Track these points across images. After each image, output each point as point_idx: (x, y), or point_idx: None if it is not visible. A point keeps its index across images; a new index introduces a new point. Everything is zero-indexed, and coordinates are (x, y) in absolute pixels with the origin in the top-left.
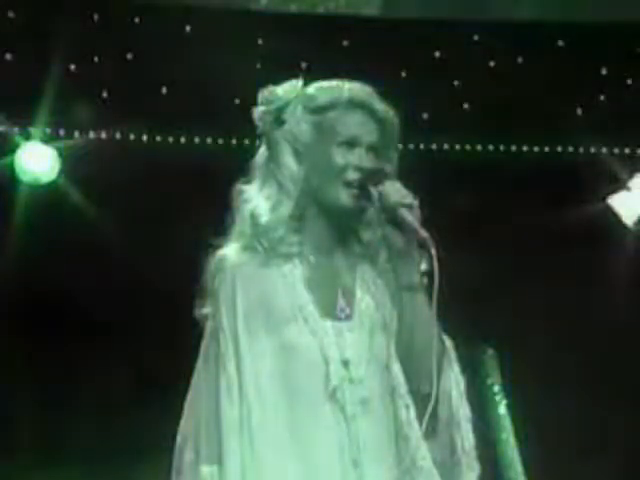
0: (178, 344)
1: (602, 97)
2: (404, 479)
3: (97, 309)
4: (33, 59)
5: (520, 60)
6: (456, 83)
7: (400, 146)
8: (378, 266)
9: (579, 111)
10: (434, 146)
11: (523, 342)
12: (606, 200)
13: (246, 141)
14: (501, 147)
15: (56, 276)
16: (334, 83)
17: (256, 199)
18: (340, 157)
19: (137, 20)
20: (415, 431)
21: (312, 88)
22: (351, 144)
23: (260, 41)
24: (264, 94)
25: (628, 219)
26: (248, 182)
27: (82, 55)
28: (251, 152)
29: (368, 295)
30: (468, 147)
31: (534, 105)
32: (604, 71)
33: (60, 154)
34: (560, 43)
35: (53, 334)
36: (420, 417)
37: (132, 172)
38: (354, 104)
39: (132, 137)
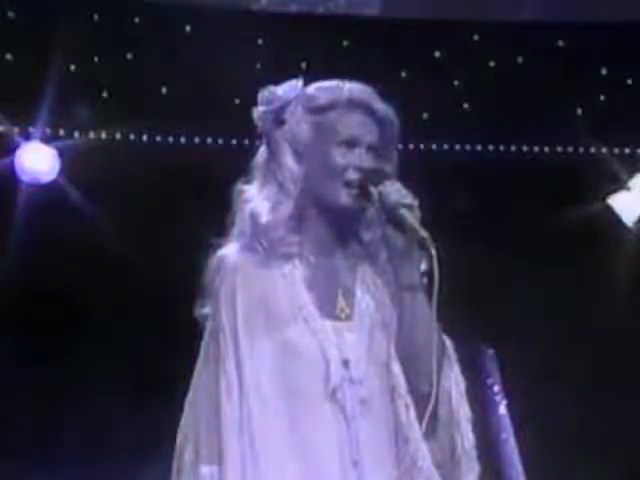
0: (178, 344)
1: (602, 97)
2: (404, 479)
3: (97, 309)
4: (33, 59)
5: (520, 60)
6: (456, 83)
7: (400, 146)
8: (378, 266)
9: (579, 111)
10: (434, 146)
11: (523, 342)
12: (606, 200)
13: (246, 141)
14: (501, 147)
15: (56, 276)
16: (334, 83)
17: (256, 199)
18: (340, 157)
19: (137, 20)
20: (415, 431)
21: (312, 88)
22: (351, 144)
23: (260, 41)
24: (264, 94)
25: (628, 219)
26: (248, 182)
27: (82, 55)
28: (251, 152)
29: (368, 295)
30: (468, 147)
31: (534, 105)
32: (604, 71)
33: (60, 154)
34: (560, 43)
35: (53, 334)
36: (420, 417)
37: (132, 172)
38: (354, 104)
39: (132, 137)
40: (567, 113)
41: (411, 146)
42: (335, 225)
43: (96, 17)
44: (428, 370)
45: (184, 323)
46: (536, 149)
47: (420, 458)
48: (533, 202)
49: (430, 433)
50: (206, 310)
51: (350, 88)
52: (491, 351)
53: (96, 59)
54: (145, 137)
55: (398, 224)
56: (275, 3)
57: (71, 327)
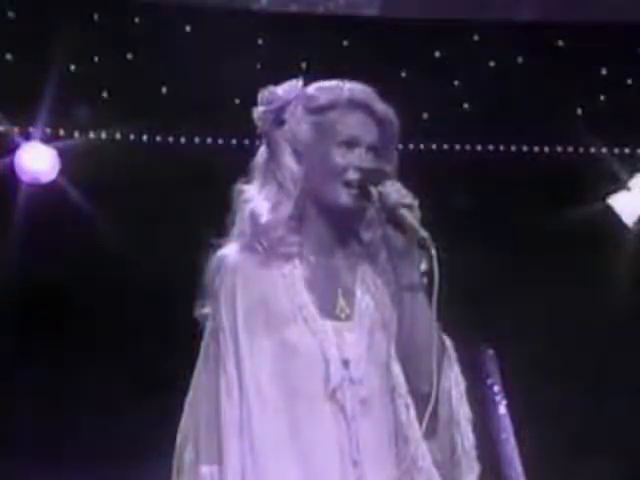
0: (178, 344)
1: (602, 97)
2: (404, 479)
3: (97, 309)
4: (33, 59)
5: (520, 60)
6: (456, 83)
7: (400, 146)
8: (378, 266)
9: (579, 111)
10: (434, 146)
11: (523, 342)
12: (606, 200)
13: (246, 141)
14: (501, 147)
15: (56, 276)
16: (334, 83)
17: (256, 199)
18: (340, 157)
19: (137, 20)
20: (415, 431)
21: (312, 88)
22: (351, 144)
23: (260, 41)
24: (264, 94)
25: (628, 219)
26: (248, 182)
27: (82, 55)
28: (251, 152)
29: (368, 295)
30: (468, 147)
31: (534, 105)
32: (604, 71)
33: (60, 154)
34: (560, 43)
35: (53, 333)
36: (420, 417)
37: (132, 172)
38: (354, 104)
39: (132, 137)
40: (567, 113)
41: (411, 146)
42: (335, 225)
43: (96, 17)
44: (428, 370)
45: (184, 323)
46: (536, 149)
47: (420, 458)
48: (533, 202)
49: (430, 433)
50: (206, 310)
51: (350, 88)
52: (491, 351)
53: (96, 59)
54: (145, 137)
55: (398, 224)
56: (275, 3)
57: (71, 327)
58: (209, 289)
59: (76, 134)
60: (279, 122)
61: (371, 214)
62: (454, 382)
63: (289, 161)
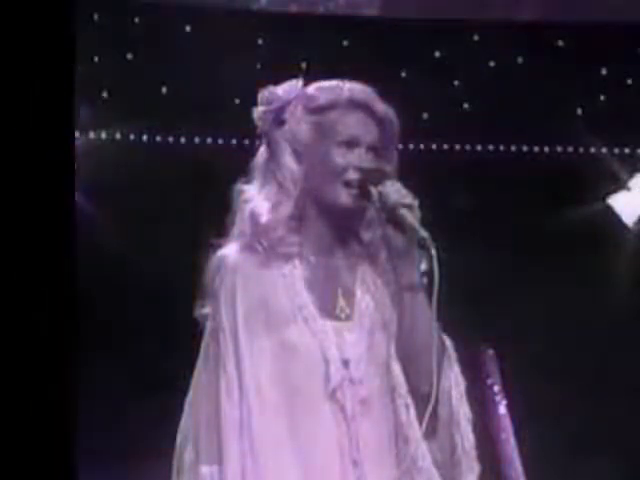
0: (178, 344)
1: (602, 97)
2: (404, 479)
3: (97, 309)
4: None
5: (520, 60)
6: (456, 83)
7: (400, 146)
8: (378, 266)
9: (579, 111)
10: (434, 146)
11: (523, 342)
12: (606, 200)
13: (246, 141)
14: (501, 147)
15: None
16: (334, 83)
17: (256, 199)
18: (340, 157)
19: (137, 20)
20: (415, 431)
21: (312, 88)
22: (351, 144)
23: (260, 41)
24: (264, 94)
25: (628, 219)
26: (248, 182)
27: (82, 55)
28: (251, 152)
29: (368, 295)
30: (468, 147)
31: (534, 105)
32: (604, 71)
33: None
34: (560, 43)
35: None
36: (420, 417)
37: (132, 172)
38: (354, 104)
39: (132, 137)
40: (567, 113)
41: (411, 146)
42: (335, 225)
43: (96, 17)
44: (428, 370)
45: (184, 323)
46: (536, 149)
47: (420, 458)
48: (533, 202)
49: (430, 433)
50: (206, 310)
51: (350, 88)
52: (491, 351)
53: (96, 59)
54: (145, 137)
55: (398, 224)
56: (275, 3)
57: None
58: (209, 289)
59: (76, 134)
60: (279, 122)
61: (371, 214)
62: (454, 382)
63: (289, 161)
